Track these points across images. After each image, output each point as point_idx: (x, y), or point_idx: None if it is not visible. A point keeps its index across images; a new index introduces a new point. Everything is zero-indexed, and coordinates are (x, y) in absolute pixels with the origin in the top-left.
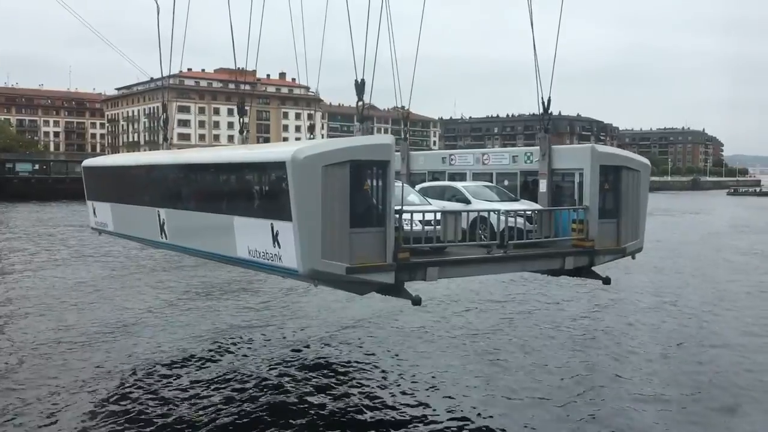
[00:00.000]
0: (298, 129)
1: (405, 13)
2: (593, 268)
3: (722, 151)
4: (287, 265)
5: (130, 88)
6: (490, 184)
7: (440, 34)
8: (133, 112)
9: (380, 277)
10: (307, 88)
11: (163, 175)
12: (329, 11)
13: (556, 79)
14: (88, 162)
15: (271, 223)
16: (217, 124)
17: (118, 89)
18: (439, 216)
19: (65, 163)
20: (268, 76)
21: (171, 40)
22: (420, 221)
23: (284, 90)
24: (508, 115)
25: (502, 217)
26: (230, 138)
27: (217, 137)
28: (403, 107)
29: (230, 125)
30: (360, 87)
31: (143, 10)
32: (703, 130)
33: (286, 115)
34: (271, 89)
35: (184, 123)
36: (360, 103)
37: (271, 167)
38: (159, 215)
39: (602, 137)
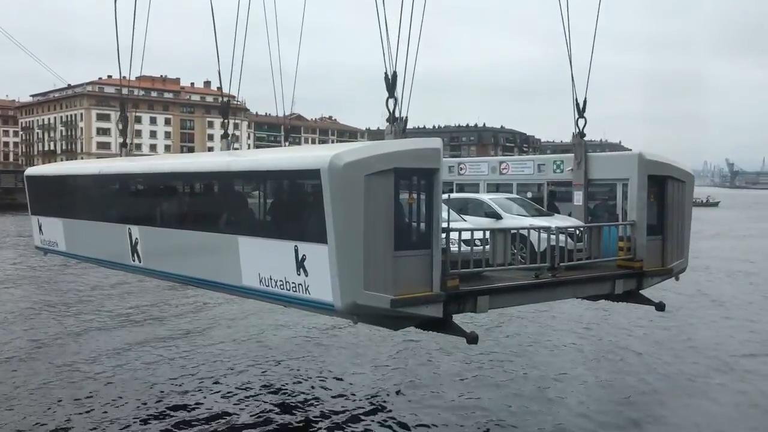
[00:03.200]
0: None
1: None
2: (641, 292)
3: None
4: (318, 298)
5: (46, 95)
6: (514, 196)
7: (363, 45)
8: (49, 119)
9: (427, 309)
10: (233, 97)
11: (136, 186)
12: (253, 19)
13: (482, 91)
14: (33, 171)
15: (295, 246)
16: (139, 133)
17: (33, 96)
18: (478, 234)
19: None
20: (192, 84)
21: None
22: (464, 241)
23: (209, 98)
24: (434, 126)
25: (552, 236)
26: (152, 147)
27: (138, 146)
28: (330, 117)
29: (152, 134)
30: (392, 81)
31: (60, 16)
32: (620, 142)
33: (211, 124)
34: (196, 98)
35: (104, 131)
36: (391, 99)
37: (299, 176)
38: (130, 234)
39: (525, 148)
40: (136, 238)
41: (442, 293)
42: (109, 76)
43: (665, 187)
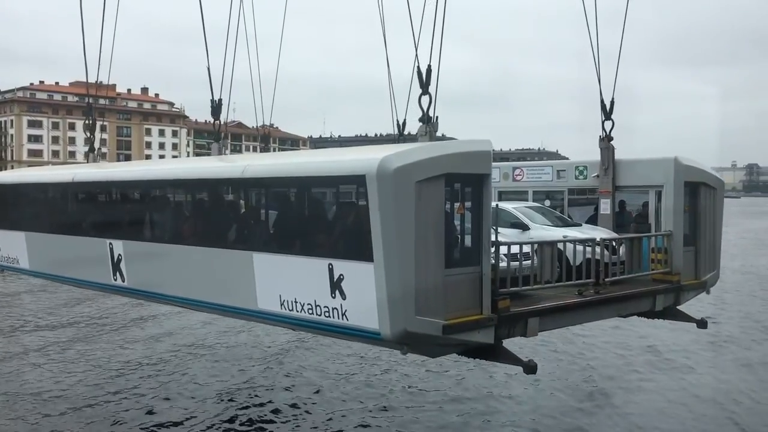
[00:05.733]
0: (162, 146)
1: (267, 32)
2: (679, 308)
3: None
4: (358, 325)
5: None
6: (534, 204)
7: (306, 53)
8: None
9: (479, 335)
10: (171, 104)
11: (120, 195)
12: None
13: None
14: None
15: (330, 264)
16: (72, 140)
17: None
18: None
19: None
20: (129, 90)
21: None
22: (505, 255)
23: (147, 105)
24: (376, 135)
25: (595, 249)
26: (87, 155)
27: (72, 154)
28: (272, 125)
29: (87, 141)
30: (426, 76)
31: None
32: (557, 151)
33: (149, 132)
34: (133, 104)
35: (36, 139)
36: (425, 97)
37: (338, 183)
38: (111, 249)
39: None
40: (119, 254)
41: (494, 316)
42: (41, 82)
43: (698, 195)
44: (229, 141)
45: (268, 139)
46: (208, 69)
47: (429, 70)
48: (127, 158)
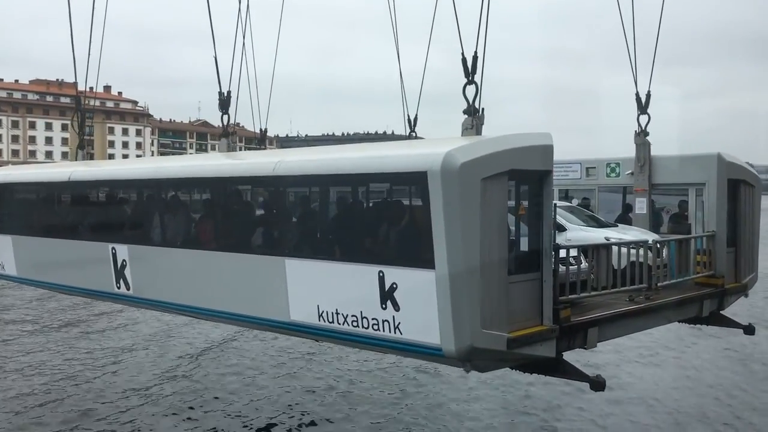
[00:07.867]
0: (125, 145)
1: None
2: (723, 313)
3: None
4: (415, 339)
5: None
6: (565, 203)
7: (272, 52)
8: None
9: (541, 348)
10: (135, 102)
11: (125, 195)
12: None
13: (391, 98)
14: None
15: (380, 271)
16: (33, 139)
17: None
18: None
19: None
20: (92, 89)
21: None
22: (563, 260)
23: (110, 104)
24: (343, 134)
25: (647, 252)
26: (48, 154)
27: (33, 153)
28: (238, 124)
29: (48, 140)
30: (472, 66)
31: None
32: None
33: (111, 131)
34: (95, 102)
35: None
36: (470, 86)
37: (392, 180)
38: (114, 254)
39: None
40: (124, 260)
41: (556, 327)
42: (0, 80)
43: (738, 193)
44: (235, 141)
45: (264, 140)
46: (215, 59)
47: (475, 58)
48: (90, 157)
